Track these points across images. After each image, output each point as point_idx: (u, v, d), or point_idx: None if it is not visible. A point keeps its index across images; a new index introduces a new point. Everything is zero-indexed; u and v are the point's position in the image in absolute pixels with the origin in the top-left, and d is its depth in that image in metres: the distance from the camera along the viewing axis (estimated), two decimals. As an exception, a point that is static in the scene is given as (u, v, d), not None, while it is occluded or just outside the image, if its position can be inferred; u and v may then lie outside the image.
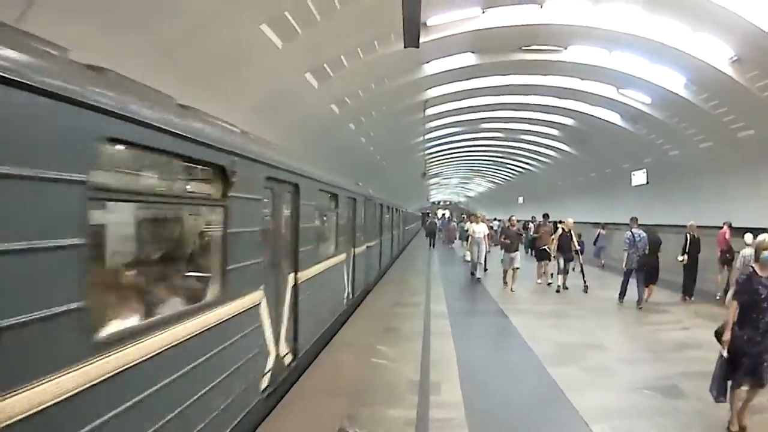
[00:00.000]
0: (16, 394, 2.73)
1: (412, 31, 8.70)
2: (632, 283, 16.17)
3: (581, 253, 19.16)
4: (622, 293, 16.47)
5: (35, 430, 2.82)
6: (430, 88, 21.90)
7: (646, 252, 16.08)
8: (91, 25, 7.79)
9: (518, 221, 20.59)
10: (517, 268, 18.70)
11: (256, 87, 13.46)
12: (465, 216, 57.22)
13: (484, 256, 21.68)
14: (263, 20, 11.26)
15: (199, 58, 10.76)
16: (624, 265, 16.46)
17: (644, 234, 16.28)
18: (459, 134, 34.96)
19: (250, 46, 11.68)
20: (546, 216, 21.71)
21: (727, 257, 16.29)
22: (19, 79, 2.73)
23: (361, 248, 15.68)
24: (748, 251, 13.60)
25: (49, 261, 2.97)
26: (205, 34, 10.24)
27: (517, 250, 18.93)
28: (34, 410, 2.81)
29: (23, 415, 2.75)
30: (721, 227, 17.76)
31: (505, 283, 18.96)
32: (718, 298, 16.48)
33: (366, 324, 13.03)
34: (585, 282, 18.14)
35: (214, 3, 9.64)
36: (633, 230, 16.40)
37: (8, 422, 2.66)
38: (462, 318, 13.80)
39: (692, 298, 17.11)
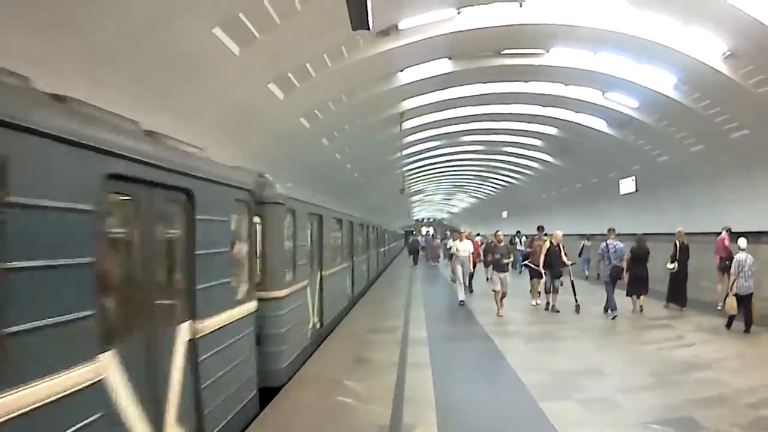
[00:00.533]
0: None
1: (358, 10, 7.46)
2: (622, 294, 16.33)
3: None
4: (612, 306, 15.90)
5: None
6: (406, 99, 20.89)
7: (620, 263, 16.13)
8: (19, 31, 6.84)
9: (504, 236, 18.80)
10: (505, 292, 16.60)
11: (215, 99, 12.36)
12: (449, 232, 56.30)
13: (468, 277, 20.19)
14: (215, 23, 10.18)
15: (145, 66, 9.66)
16: (599, 274, 17.06)
17: (620, 245, 16.39)
18: (439, 148, 33.95)
19: (204, 52, 10.59)
20: (540, 228, 20.13)
21: (727, 264, 15.35)
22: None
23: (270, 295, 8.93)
24: (742, 255, 13.22)
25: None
26: (151, 38, 9.13)
27: (507, 270, 16.92)
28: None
29: None
30: (719, 233, 16.91)
31: (498, 307, 16.63)
32: (719, 308, 15.42)
33: (335, 354, 11.81)
34: (576, 300, 16.71)
35: (158, 2, 8.56)
36: (608, 241, 16.60)
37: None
38: (443, 345, 12.56)
39: (683, 308, 16.56)
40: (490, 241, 22.48)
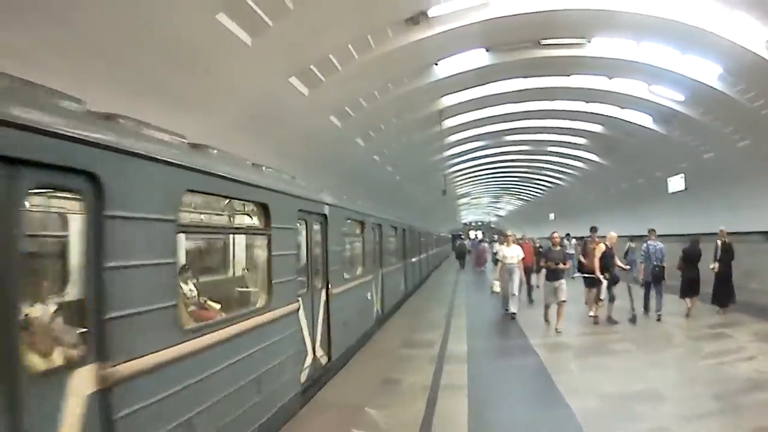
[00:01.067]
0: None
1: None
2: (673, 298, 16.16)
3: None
4: (645, 306, 16.38)
5: None
6: (444, 95, 19.98)
7: (662, 263, 15.89)
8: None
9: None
10: (563, 302, 14.70)
11: (228, 96, 11.45)
12: (496, 236, 54.75)
13: (517, 287, 17.24)
14: (219, 8, 9.22)
15: (145, 61, 8.81)
16: (641, 277, 16.67)
17: (660, 245, 16.20)
18: (482, 149, 32.98)
19: (210, 43, 9.68)
20: (594, 230, 18.03)
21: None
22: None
23: None
24: None
25: None
26: (148, 28, 8.30)
27: (562, 278, 14.98)
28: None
29: None
30: None
31: (547, 321, 15.35)
32: None
33: (360, 374, 10.63)
34: (633, 309, 15.26)
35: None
36: (649, 242, 16.40)
37: None
38: (484, 363, 11.29)
39: (723, 309, 16.03)
40: (539, 245, 21.15)
